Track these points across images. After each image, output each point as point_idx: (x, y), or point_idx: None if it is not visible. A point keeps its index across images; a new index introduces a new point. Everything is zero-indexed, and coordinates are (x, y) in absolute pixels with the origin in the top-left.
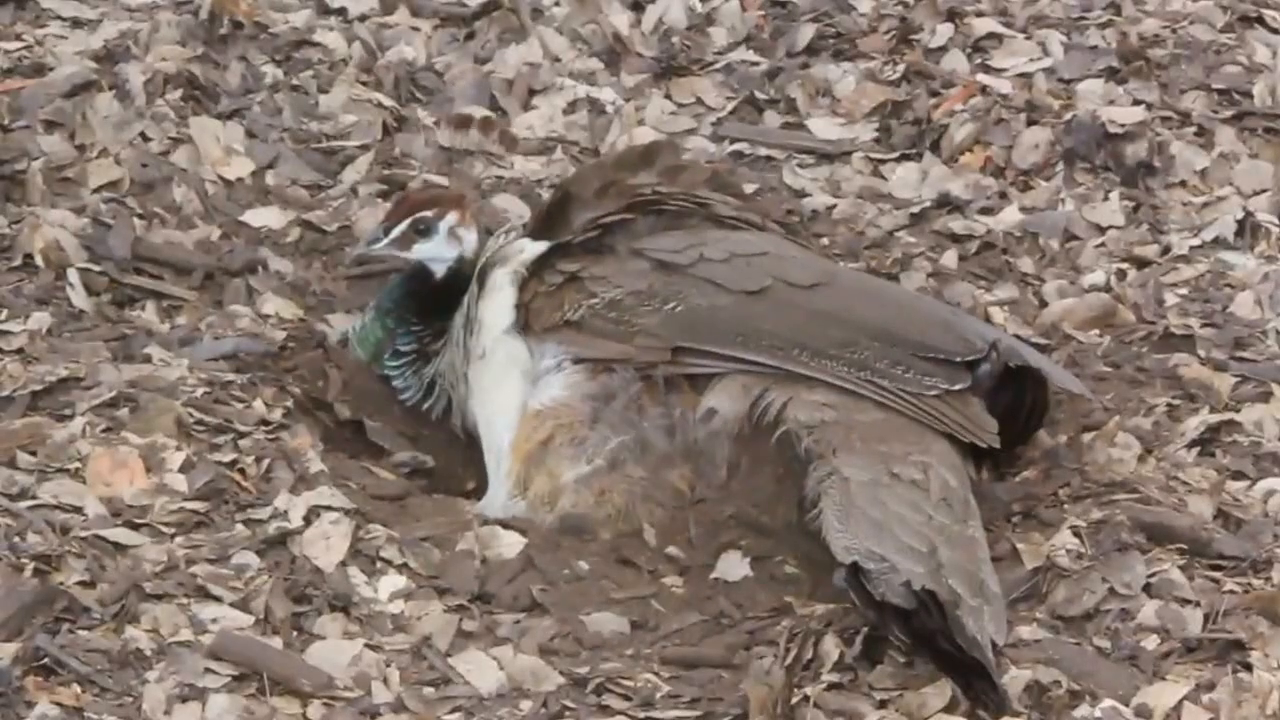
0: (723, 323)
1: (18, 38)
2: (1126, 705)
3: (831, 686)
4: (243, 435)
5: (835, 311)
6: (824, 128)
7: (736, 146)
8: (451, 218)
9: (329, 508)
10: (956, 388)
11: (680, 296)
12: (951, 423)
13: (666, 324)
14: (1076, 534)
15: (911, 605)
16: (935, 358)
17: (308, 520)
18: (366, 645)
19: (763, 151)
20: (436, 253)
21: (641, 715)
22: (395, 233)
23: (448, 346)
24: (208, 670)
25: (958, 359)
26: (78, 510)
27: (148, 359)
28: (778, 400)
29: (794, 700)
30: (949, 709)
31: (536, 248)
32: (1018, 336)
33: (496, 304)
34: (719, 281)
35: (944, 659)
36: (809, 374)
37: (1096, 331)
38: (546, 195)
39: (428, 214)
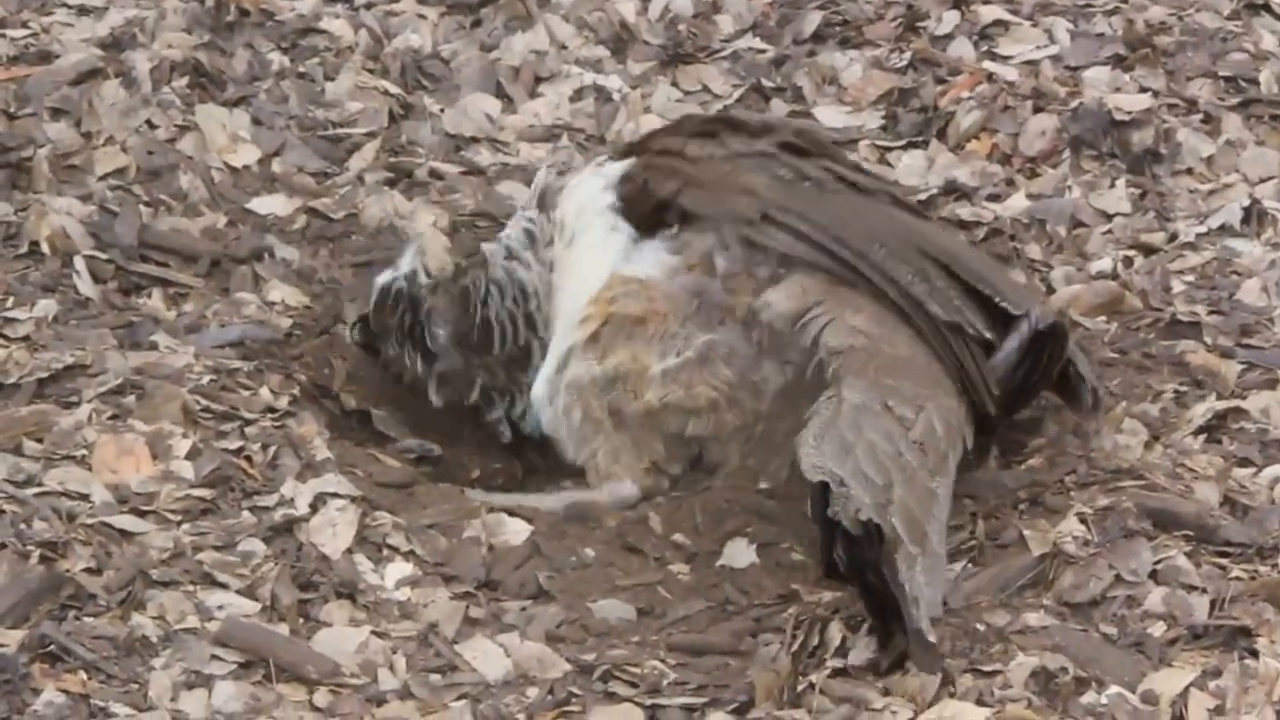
0: (815, 205)
1: (24, 25)
2: (1133, 692)
3: (837, 673)
4: (249, 423)
5: (922, 232)
6: (830, 115)
7: None
8: None
9: (335, 495)
10: (987, 336)
11: (783, 174)
12: (969, 371)
13: (769, 188)
14: (1083, 521)
15: (858, 533)
16: (990, 303)
17: (314, 507)
18: (373, 632)
19: None
20: None
21: (648, 702)
22: None
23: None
24: (214, 657)
25: (1011, 309)
26: (84, 497)
27: (154, 346)
28: (822, 318)
29: (800, 687)
30: (955, 696)
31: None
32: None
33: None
34: (823, 183)
35: (868, 593)
36: (875, 276)
37: (1103, 318)
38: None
39: None
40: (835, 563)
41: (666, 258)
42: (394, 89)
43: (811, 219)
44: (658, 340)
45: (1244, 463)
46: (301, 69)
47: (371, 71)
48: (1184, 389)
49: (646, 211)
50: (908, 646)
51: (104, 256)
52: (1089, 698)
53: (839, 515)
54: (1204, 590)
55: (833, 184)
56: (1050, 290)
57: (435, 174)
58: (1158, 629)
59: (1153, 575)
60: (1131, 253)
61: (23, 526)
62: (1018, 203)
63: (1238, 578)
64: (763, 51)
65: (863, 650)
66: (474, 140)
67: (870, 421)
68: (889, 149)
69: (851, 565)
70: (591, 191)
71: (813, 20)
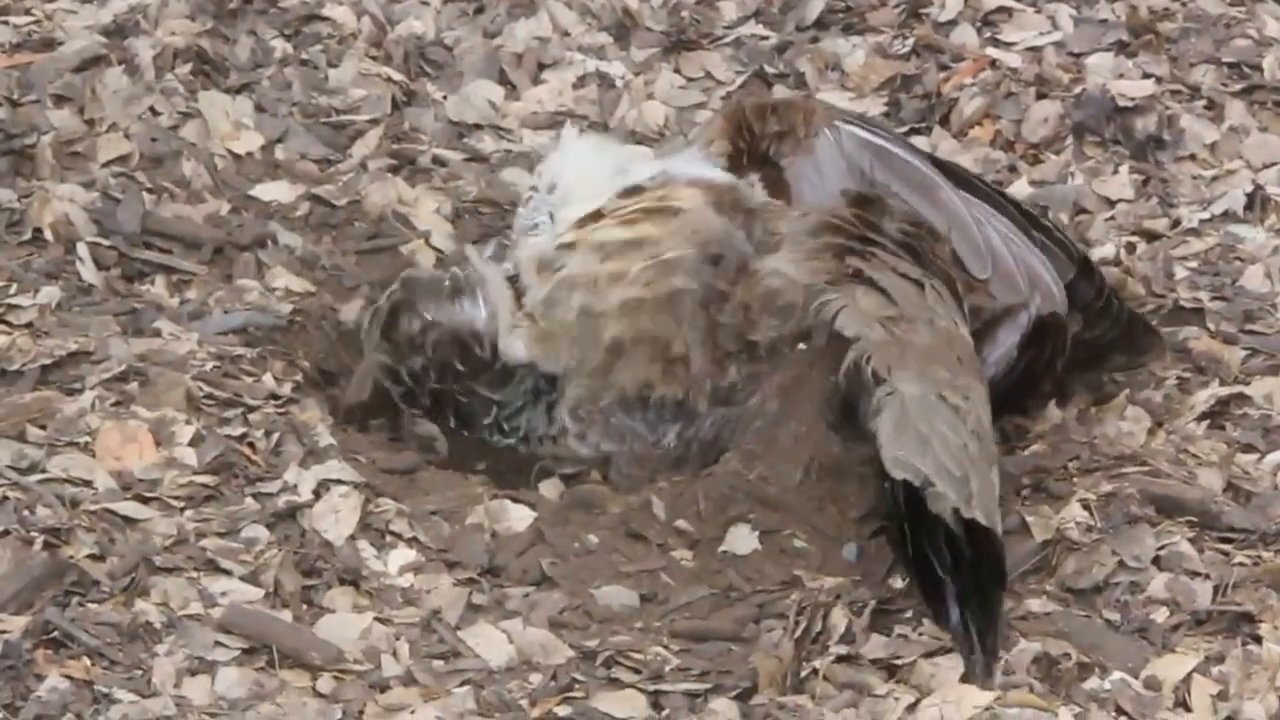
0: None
1: (27, 12)
2: (1136, 677)
3: (840, 659)
4: (252, 409)
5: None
6: (833, 101)
7: None
8: None
9: (339, 481)
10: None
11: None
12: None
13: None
14: (1086, 507)
15: (960, 531)
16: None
17: (317, 494)
18: (376, 618)
19: None
20: None
21: (651, 688)
22: None
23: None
24: (217, 643)
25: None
26: (87, 484)
27: (157, 333)
28: (835, 302)
29: (803, 673)
30: (960, 680)
31: None
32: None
33: None
34: None
35: (946, 584)
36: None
37: None
38: None
39: None
40: (923, 564)
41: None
42: (397, 76)
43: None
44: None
45: (1247, 449)
46: (304, 56)
47: (374, 58)
48: (1187, 375)
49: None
50: (992, 648)
51: (107, 243)
52: (1092, 683)
53: (940, 512)
54: (1207, 576)
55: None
56: None
57: (438, 161)
58: (1161, 615)
59: (1156, 561)
60: (1134, 239)
61: (26, 513)
62: (1021, 189)
63: (1241, 563)
64: (765, 38)
65: (869, 640)
66: (477, 127)
67: (935, 412)
68: None
69: (953, 557)
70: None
71: (815, 6)
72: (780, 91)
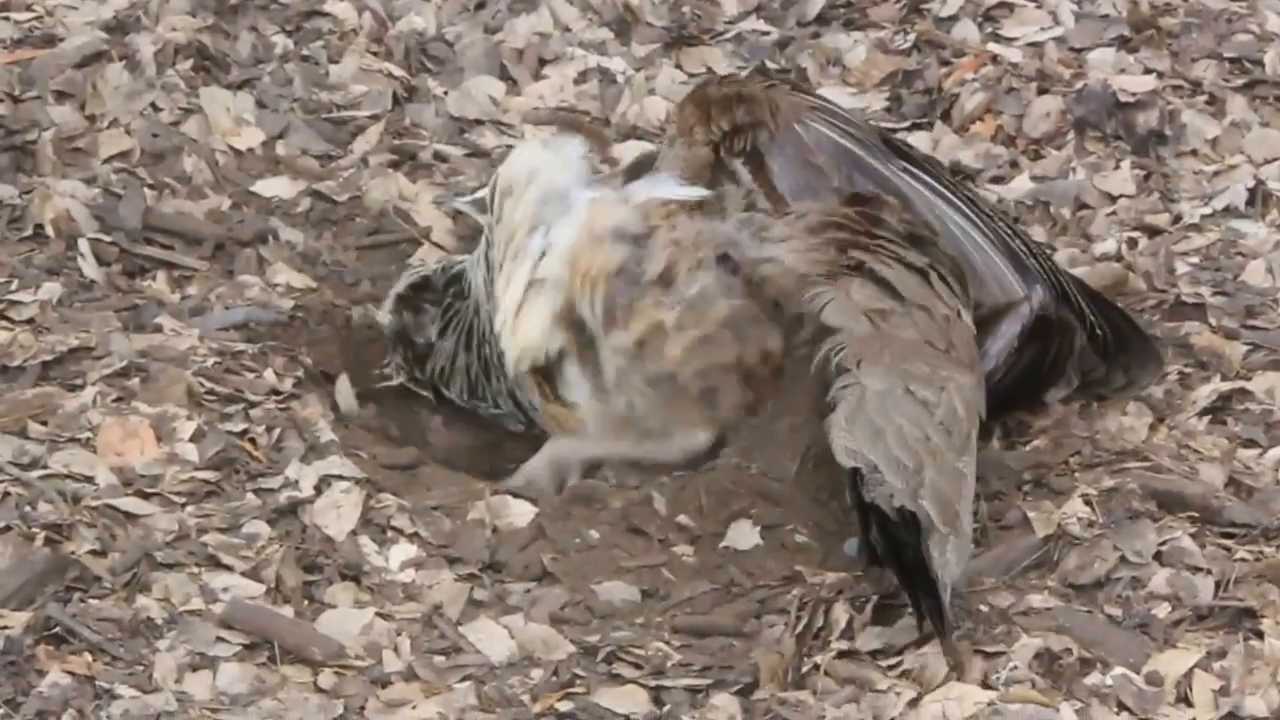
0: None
1: (28, 8)
2: (1137, 673)
3: (842, 654)
4: (253, 405)
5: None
6: (835, 97)
7: None
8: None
9: (340, 477)
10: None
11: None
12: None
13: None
14: (1087, 502)
15: (894, 518)
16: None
17: (318, 490)
18: (377, 614)
19: None
20: None
21: (652, 683)
22: None
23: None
24: (219, 639)
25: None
26: (88, 480)
27: (158, 329)
28: (825, 294)
29: (804, 668)
30: (962, 678)
31: None
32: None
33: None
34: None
35: (904, 574)
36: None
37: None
38: None
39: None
40: (873, 545)
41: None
42: (398, 71)
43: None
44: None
45: (1249, 444)
46: (305, 52)
47: (375, 54)
48: (1188, 370)
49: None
50: (940, 630)
51: (108, 239)
52: (1093, 679)
53: (875, 500)
54: (1209, 571)
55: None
56: None
57: (439, 156)
58: (1162, 610)
59: (1157, 556)
60: (1136, 234)
61: (27, 509)
62: (1022, 184)
63: (1243, 559)
64: (766, 33)
65: (870, 635)
66: (478, 123)
67: (896, 406)
68: (893, 131)
69: (889, 548)
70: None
71: (816, 2)
72: None
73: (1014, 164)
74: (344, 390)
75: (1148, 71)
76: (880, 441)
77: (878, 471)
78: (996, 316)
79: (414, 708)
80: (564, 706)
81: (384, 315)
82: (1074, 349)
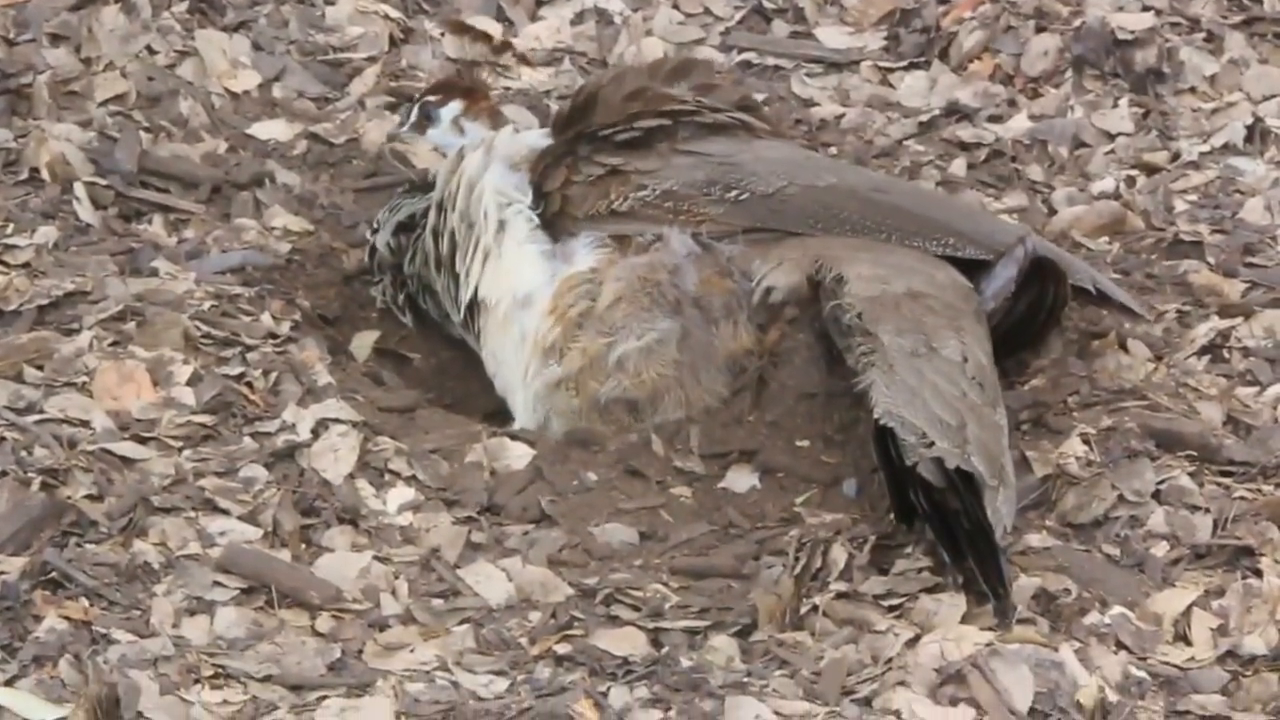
0: (795, 209)
1: None
2: (1135, 611)
3: (840, 595)
4: (250, 349)
5: (903, 206)
6: (832, 37)
7: (744, 56)
8: (455, 106)
9: (337, 420)
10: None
11: (744, 185)
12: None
13: (734, 212)
14: (1086, 441)
15: (941, 484)
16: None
17: (316, 433)
18: (375, 557)
19: (771, 61)
20: (443, 140)
21: (650, 625)
22: (411, 116)
23: (417, 244)
24: (216, 583)
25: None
26: (85, 424)
27: (155, 273)
28: (831, 273)
29: (803, 609)
30: (963, 620)
31: (539, 137)
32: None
33: (501, 185)
34: (781, 175)
35: (953, 538)
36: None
37: (1106, 239)
38: (561, 103)
39: (431, 99)
40: (908, 506)
41: (614, 255)
42: (394, 13)
43: (796, 217)
44: (621, 316)
45: (1247, 381)
46: None
47: None
48: (1187, 309)
49: (592, 215)
50: (999, 585)
51: (104, 183)
52: (1092, 618)
53: (918, 466)
54: (1207, 510)
55: (760, 140)
56: (1052, 211)
57: None
58: (1160, 549)
59: (1155, 495)
60: (1134, 172)
61: (24, 454)
62: (1019, 123)
63: (1241, 497)
64: None
65: (869, 578)
66: (475, 64)
67: (925, 365)
68: (891, 70)
69: (933, 510)
70: (507, 186)
71: None
72: (779, 29)
73: (1012, 102)
74: (361, 345)
75: (1146, 9)
76: (919, 403)
77: (925, 436)
78: (992, 262)
79: (412, 651)
80: (562, 649)
81: (382, 240)
82: (1067, 297)
